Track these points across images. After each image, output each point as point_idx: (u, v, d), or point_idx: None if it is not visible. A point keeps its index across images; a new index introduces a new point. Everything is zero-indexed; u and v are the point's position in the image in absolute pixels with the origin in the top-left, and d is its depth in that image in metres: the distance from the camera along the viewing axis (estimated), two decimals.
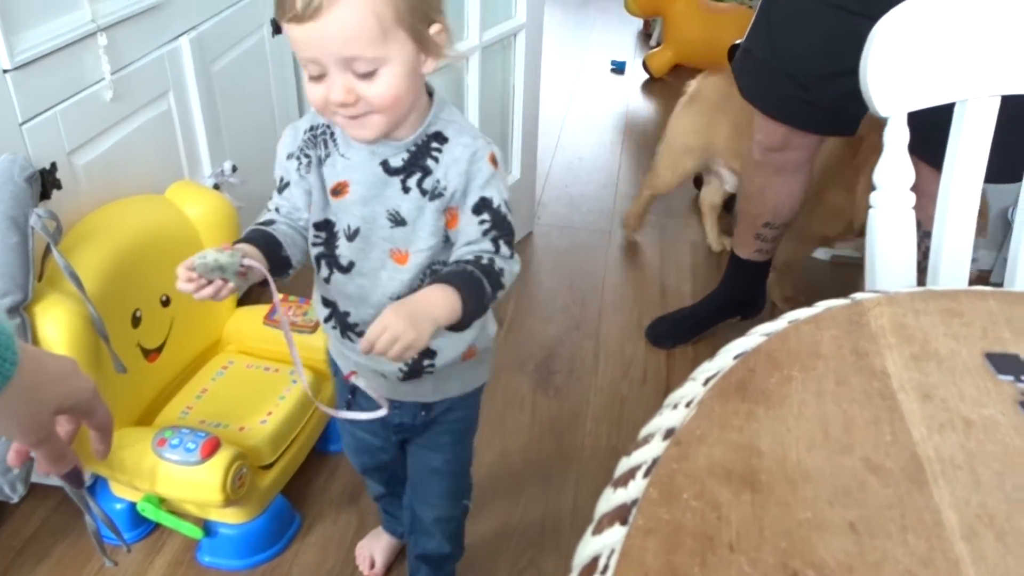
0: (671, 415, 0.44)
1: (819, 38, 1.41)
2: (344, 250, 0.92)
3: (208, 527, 1.32)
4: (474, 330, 0.99)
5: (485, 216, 0.86)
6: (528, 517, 1.45)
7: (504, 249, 0.87)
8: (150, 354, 1.39)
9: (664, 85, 3.33)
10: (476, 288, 0.83)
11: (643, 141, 2.90)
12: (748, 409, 0.43)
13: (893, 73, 0.67)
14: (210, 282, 0.80)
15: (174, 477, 1.22)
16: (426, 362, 0.99)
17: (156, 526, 1.37)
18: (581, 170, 2.63)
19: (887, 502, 0.39)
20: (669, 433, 0.42)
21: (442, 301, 0.81)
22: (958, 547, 0.37)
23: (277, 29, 1.92)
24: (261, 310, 1.55)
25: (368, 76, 0.79)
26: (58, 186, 1.26)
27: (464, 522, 1.23)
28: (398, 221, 0.89)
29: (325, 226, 0.94)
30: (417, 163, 0.88)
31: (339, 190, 0.90)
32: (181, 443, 1.22)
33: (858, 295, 0.54)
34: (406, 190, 0.88)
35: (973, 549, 0.37)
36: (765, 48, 1.54)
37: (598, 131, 2.94)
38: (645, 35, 3.79)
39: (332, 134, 0.91)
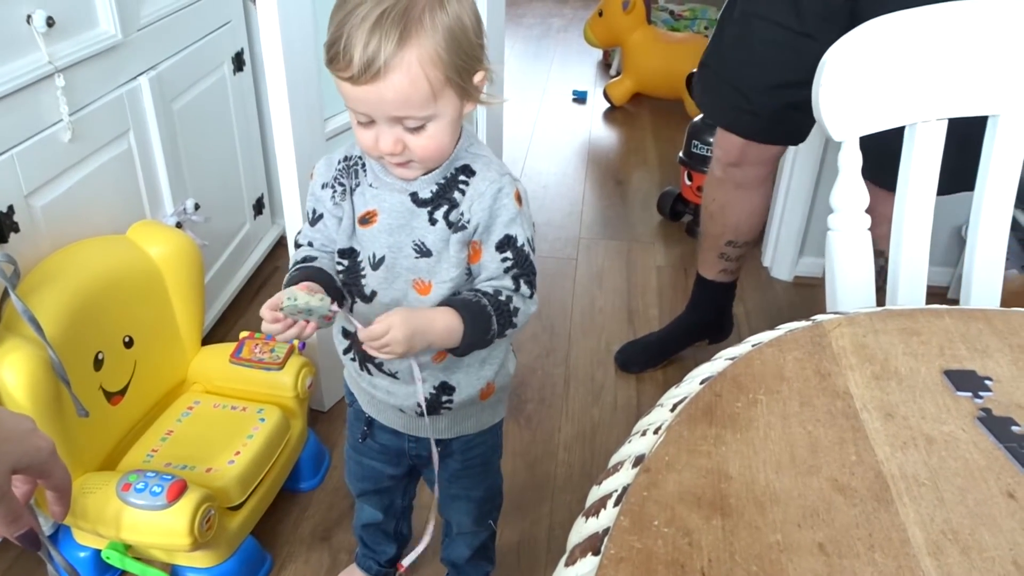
0: (640, 442, 0.44)
1: (761, 52, 1.48)
2: (369, 279, 0.94)
3: (176, 572, 1.29)
4: (494, 367, 1.00)
5: (508, 254, 0.88)
6: (503, 547, 1.43)
7: (524, 288, 0.89)
8: (113, 397, 1.37)
9: (625, 113, 3.38)
10: (482, 322, 0.86)
11: (606, 168, 2.94)
12: (716, 433, 0.43)
13: (845, 99, 0.69)
14: (294, 322, 0.83)
15: (140, 522, 1.19)
16: (444, 398, 0.99)
17: (122, 574, 1.33)
18: (546, 198, 2.65)
19: (854, 521, 0.39)
20: (639, 460, 0.42)
21: (444, 327, 0.84)
22: (925, 563, 0.37)
23: (239, 66, 1.92)
24: (227, 348, 1.53)
25: (415, 131, 0.83)
26: (15, 229, 1.24)
27: (491, 540, 1.26)
28: (423, 252, 0.91)
29: (349, 254, 0.95)
30: (445, 195, 0.90)
31: (368, 219, 0.92)
32: (146, 487, 1.20)
33: (819, 316, 0.55)
34: (433, 222, 0.90)
35: (940, 565, 0.37)
36: (716, 61, 1.60)
37: (562, 159, 2.97)
38: (605, 65, 3.85)
39: (364, 164, 0.93)
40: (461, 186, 0.89)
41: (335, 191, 0.95)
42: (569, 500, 1.55)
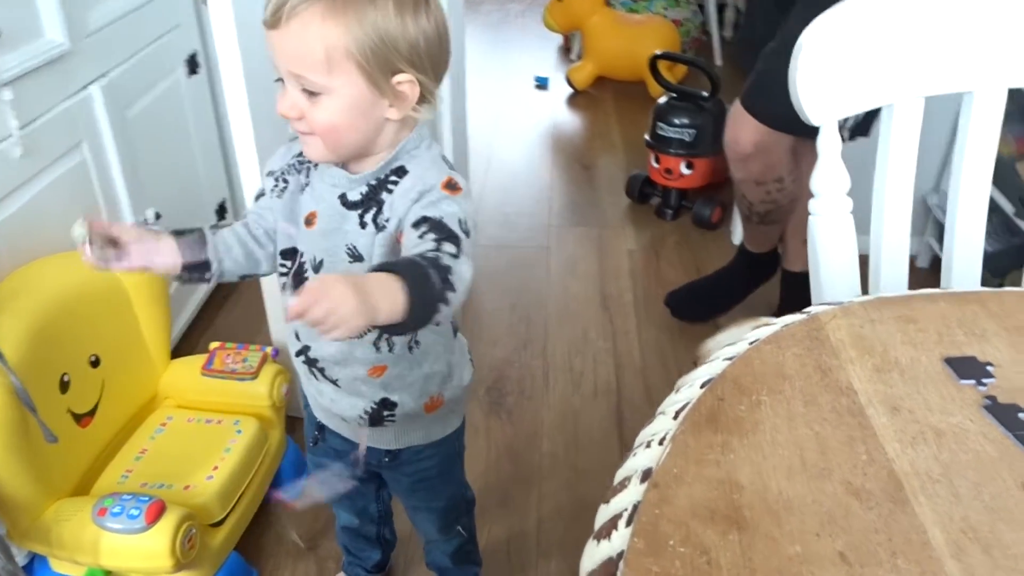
0: (645, 455, 0.42)
1: None
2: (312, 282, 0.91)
3: None
4: (436, 381, 0.98)
5: (424, 227, 0.80)
6: (493, 542, 1.42)
7: (447, 246, 0.77)
8: (82, 419, 1.32)
9: (588, 97, 3.36)
10: (421, 278, 0.72)
11: (572, 153, 2.92)
12: (722, 440, 0.42)
13: (822, 81, 0.67)
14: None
15: (119, 547, 1.15)
16: (386, 413, 0.97)
17: None
18: (514, 188, 2.63)
19: (872, 526, 0.38)
20: (646, 475, 0.41)
21: (383, 287, 0.69)
22: (948, 566, 0.36)
23: (193, 69, 1.87)
24: (197, 360, 1.49)
25: (313, 98, 0.80)
26: None
27: (469, 544, 1.24)
28: (356, 256, 0.88)
29: (291, 254, 0.93)
30: (374, 197, 0.87)
31: (311, 220, 0.90)
32: (123, 510, 1.16)
33: (813, 308, 0.54)
34: (363, 225, 0.87)
35: (964, 567, 0.36)
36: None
37: (527, 147, 2.95)
38: (565, 49, 3.82)
39: (316, 163, 0.90)
40: (391, 187, 0.86)
41: (277, 185, 0.93)
42: (555, 489, 1.54)
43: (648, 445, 0.43)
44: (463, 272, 0.76)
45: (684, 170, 2.34)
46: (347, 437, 1.05)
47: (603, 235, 2.37)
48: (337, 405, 0.99)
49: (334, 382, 0.97)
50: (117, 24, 1.56)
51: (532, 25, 4.12)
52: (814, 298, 0.75)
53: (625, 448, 1.63)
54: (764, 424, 0.43)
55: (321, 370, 0.97)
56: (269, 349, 1.49)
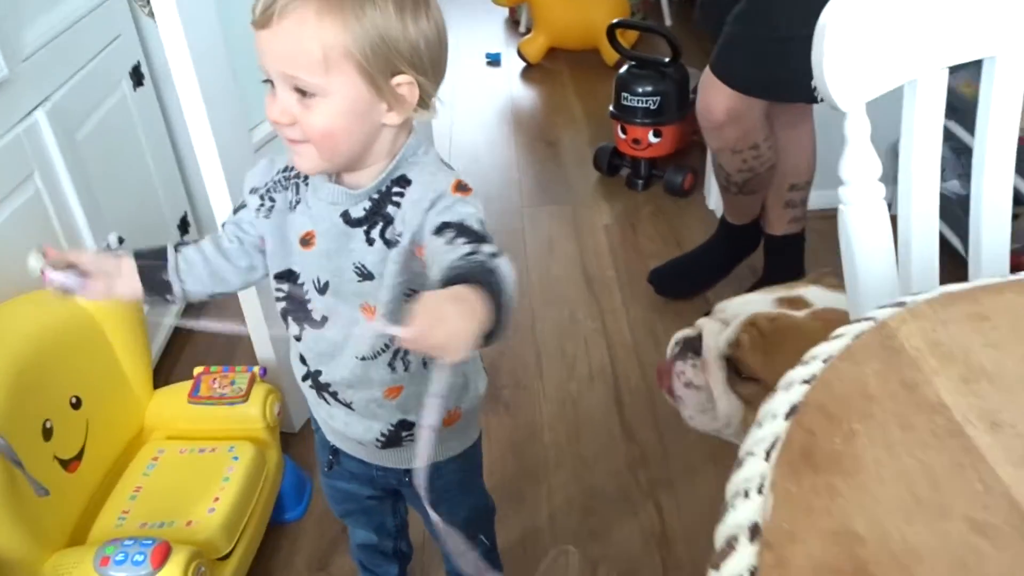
0: (746, 507, 0.39)
1: None
2: (316, 303, 0.87)
3: None
4: (453, 395, 0.94)
5: (449, 232, 0.75)
6: (507, 541, 1.40)
7: (486, 247, 0.72)
8: (69, 464, 1.26)
9: (543, 70, 3.30)
10: (494, 284, 0.66)
11: (534, 129, 2.87)
12: (826, 483, 0.39)
13: (848, 64, 0.64)
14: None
15: None
16: (404, 433, 0.93)
17: None
18: (479, 171, 2.57)
19: (1009, 570, 0.36)
20: (754, 532, 0.38)
21: (473, 299, 0.63)
22: None
23: (138, 81, 1.78)
24: (183, 388, 1.43)
25: (307, 100, 0.75)
26: None
27: (490, 552, 1.20)
28: (365, 275, 0.83)
29: (288, 277, 0.88)
30: (379, 211, 0.82)
31: (308, 240, 0.85)
32: (127, 557, 1.11)
33: (877, 312, 0.51)
34: (370, 242, 0.82)
35: None
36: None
37: (488, 128, 2.89)
38: (513, 22, 3.75)
39: (306, 178, 0.85)
40: (396, 199, 0.82)
41: (263, 204, 0.88)
42: (564, 481, 1.52)
43: (746, 495, 0.40)
44: (508, 271, 0.71)
45: (652, 139, 2.31)
46: (364, 460, 1.01)
47: (577, 212, 2.34)
48: (351, 429, 0.96)
49: (347, 405, 0.93)
50: (54, 43, 1.47)
51: (476, 1, 4.03)
52: (850, 293, 0.72)
53: (628, 432, 1.61)
54: (865, 458, 0.40)
55: (333, 394, 0.93)
56: (257, 368, 1.44)
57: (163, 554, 1.11)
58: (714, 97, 1.56)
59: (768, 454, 0.42)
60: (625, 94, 2.30)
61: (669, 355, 0.99)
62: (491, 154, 2.70)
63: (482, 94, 3.17)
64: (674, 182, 2.32)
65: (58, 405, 1.24)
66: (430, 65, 0.79)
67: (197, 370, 1.44)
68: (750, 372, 0.90)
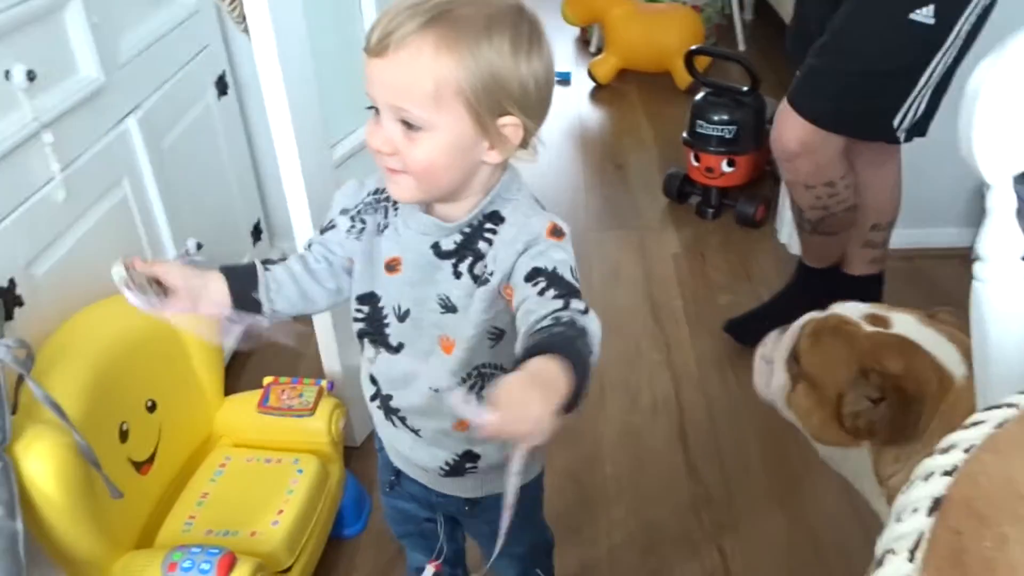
0: None
1: None
2: (394, 329, 0.87)
3: None
4: None
5: (540, 279, 0.75)
6: (564, 572, 1.38)
7: (575, 303, 0.72)
8: (142, 466, 1.28)
9: (613, 91, 3.29)
10: (577, 353, 0.66)
11: (603, 151, 2.86)
12: None
13: (1001, 133, 0.61)
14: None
15: None
16: (468, 464, 0.92)
17: None
18: (545, 192, 2.54)
19: None
20: None
21: (555, 374, 0.62)
22: None
23: (222, 91, 1.82)
24: (252, 397, 1.45)
25: (411, 132, 0.75)
26: (19, 303, 1.15)
27: None
28: (449, 307, 0.83)
29: (369, 299, 0.88)
30: (469, 246, 0.82)
31: (393, 265, 0.85)
32: (194, 565, 1.12)
33: (1019, 399, 0.48)
34: (458, 275, 0.82)
35: None
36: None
37: (554, 147, 2.88)
38: (583, 42, 3.75)
39: (395, 203, 0.86)
40: (487, 235, 0.81)
41: (354, 225, 0.88)
42: (624, 515, 1.50)
43: None
44: (596, 330, 0.71)
45: (725, 168, 2.28)
46: (426, 485, 1.01)
47: (644, 238, 2.31)
48: (416, 454, 0.95)
49: (415, 431, 0.93)
50: (148, 52, 1.51)
51: (546, 19, 4.02)
52: (980, 374, 0.68)
53: (692, 469, 1.58)
54: (1021, 571, 0.37)
55: (402, 419, 0.93)
56: (324, 382, 1.45)
57: (228, 565, 1.12)
58: (788, 127, 1.53)
59: (912, 554, 0.39)
60: (700, 121, 2.27)
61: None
62: (557, 175, 2.69)
63: (550, 114, 3.15)
64: (746, 213, 2.28)
65: (135, 409, 1.26)
66: (536, 106, 0.79)
67: (267, 380, 1.46)
68: (796, 356, 1.06)
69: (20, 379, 1.06)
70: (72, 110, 1.26)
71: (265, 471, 1.36)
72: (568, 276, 0.76)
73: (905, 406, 0.92)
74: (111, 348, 1.21)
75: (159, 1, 1.57)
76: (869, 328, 1.00)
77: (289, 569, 1.26)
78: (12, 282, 1.13)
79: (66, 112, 1.24)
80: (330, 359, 1.55)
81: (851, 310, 1.04)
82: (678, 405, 1.73)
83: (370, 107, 0.78)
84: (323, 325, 1.50)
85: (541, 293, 0.74)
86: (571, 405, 0.64)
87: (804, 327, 1.06)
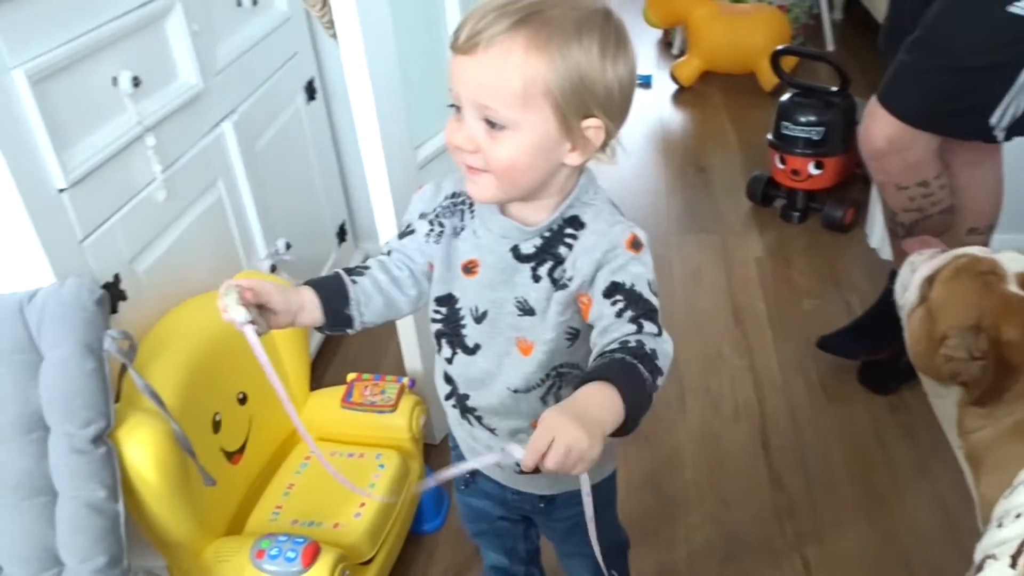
0: None
1: None
2: (470, 331, 0.88)
3: None
4: None
5: (618, 297, 0.77)
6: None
7: (648, 327, 0.75)
8: (233, 456, 1.34)
9: (695, 93, 3.24)
10: (634, 378, 0.70)
11: (684, 154, 2.82)
12: None
13: None
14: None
15: None
16: None
17: None
18: (625, 195, 2.54)
19: None
20: None
21: (602, 400, 0.67)
22: None
23: (311, 96, 1.87)
24: (336, 393, 1.48)
25: (495, 131, 0.76)
26: (123, 297, 1.21)
27: None
28: (526, 310, 0.84)
29: (447, 301, 0.89)
30: (549, 250, 0.82)
31: (471, 268, 0.86)
32: (280, 553, 1.16)
33: None
34: (536, 278, 0.83)
35: None
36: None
37: (636, 150, 2.86)
38: (666, 44, 3.71)
39: (471, 206, 0.87)
40: (568, 240, 0.82)
41: (432, 229, 0.89)
42: (702, 520, 1.47)
43: None
44: (667, 350, 0.75)
45: (812, 170, 2.22)
46: (500, 482, 1.02)
47: (726, 241, 2.27)
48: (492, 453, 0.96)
49: (491, 430, 0.94)
50: (243, 59, 1.57)
51: (628, 21, 3.99)
52: None
53: (774, 477, 1.54)
54: None
55: (478, 418, 0.94)
56: (406, 380, 1.48)
57: (313, 554, 1.15)
58: (876, 125, 1.47)
59: (1015, 560, 0.38)
60: (786, 123, 2.22)
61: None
62: (638, 178, 2.67)
63: (631, 116, 3.12)
64: (834, 216, 2.21)
65: (227, 400, 1.31)
66: (619, 109, 0.79)
67: (350, 376, 1.49)
68: (932, 280, 1.06)
69: (123, 369, 1.12)
70: (173, 114, 1.32)
71: (348, 465, 1.39)
72: (646, 292, 0.77)
73: (1000, 374, 0.90)
74: (207, 341, 1.27)
75: (254, 9, 1.63)
76: (1011, 288, 0.98)
77: (370, 561, 1.29)
78: (117, 277, 1.20)
79: (167, 116, 1.30)
80: (411, 357, 1.57)
81: (1012, 263, 1.02)
82: (760, 411, 1.69)
83: (452, 105, 0.79)
84: (405, 324, 1.53)
85: (619, 315, 0.75)
86: (629, 427, 0.68)
87: (957, 257, 1.06)
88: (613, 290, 0.77)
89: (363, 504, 1.31)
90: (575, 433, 0.63)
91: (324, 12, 1.47)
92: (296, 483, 1.36)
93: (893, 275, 1.74)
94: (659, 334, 0.76)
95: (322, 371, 1.85)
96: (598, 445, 0.64)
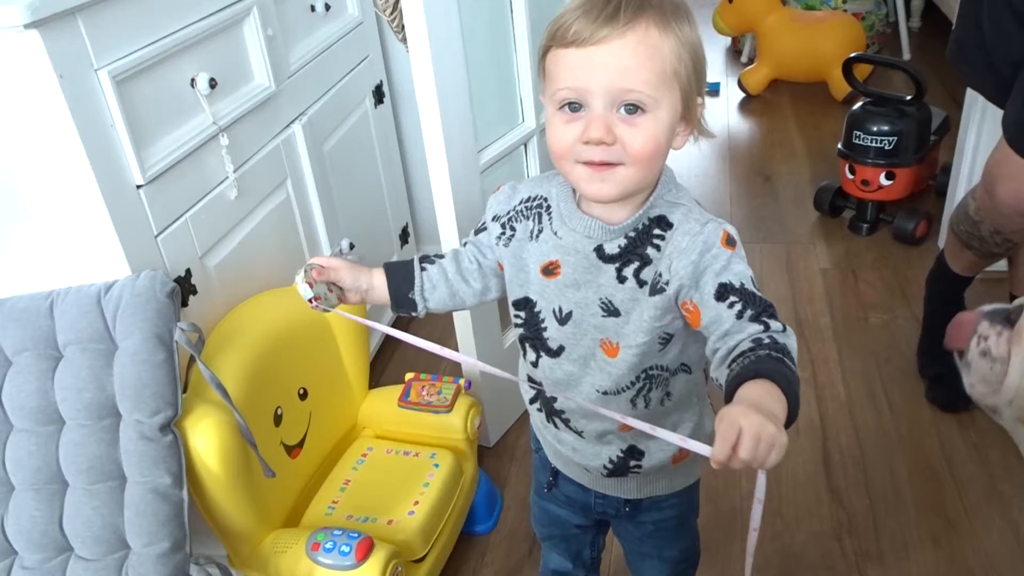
0: None
1: None
2: (553, 333, 0.88)
3: None
4: (687, 430, 0.92)
5: (732, 298, 0.75)
6: None
7: (774, 324, 0.74)
8: (292, 450, 1.36)
9: (763, 102, 3.20)
10: (785, 370, 0.69)
11: (750, 163, 2.78)
12: None
13: None
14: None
15: None
16: (632, 463, 0.93)
17: None
18: None
19: None
20: None
21: (767, 394, 0.66)
22: None
23: (379, 99, 1.91)
24: (394, 392, 1.51)
25: (633, 117, 0.75)
26: (194, 291, 1.25)
27: None
28: (611, 311, 0.83)
29: (524, 305, 0.90)
30: (635, 251, 0.81)
31: (551, 269, 0.86)
32: (335, 546, 1.18)
33: None
34: (622, 279, 0.82)
35: None
36: None
37: (701, 157, 2.83)
38: (735, 52, 3.67)
39: (548, 207, 0.87)
40: (656, 241, 0.80)
41: (503, 232, 0.90)
42: (761, 537, 1.43)
43: None
44: (794, 345, 0.74)
45: (883, 181, 2.16)
46: (585, 485, 1.02)
47: (791, 252, 2.23)
48: (579, 455, 0.96)
49: (578, 432, 0.94)
50: (314, 62, 1.60)
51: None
52: None
53: (835, 495, 1.51)
54: None
55: (565, 421, 0.94)
56: (462, 381, 1.49)
57: (367, 549, 1.17)
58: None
59: None
60: (857, 132, 2.17)
61: (977, 311, 0.93)
62: (703, 185, 2.64)
63: (716, 133, 3.10)
64: (905, 228, 2.15)
65: (288, 395, 1.34)
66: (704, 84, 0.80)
67: (408, 376, 1.51)
68: None
69: (191, 360, 1.15)
70: (246, 115, 1.36)
71: (403, 463, 1.41)
72: (756, 290, 0.76)
73: None
74: (271, 337, 1.30)
75: (327, 15, 1.67)
76: None
77: (423, 559, 1.30)
78: (188, 272, 1.24)
79: (240, 117, 1.34)
80: (468, 359, 1.58)
81: None
82: (822, 427, 1.65)
83: (565, 105, 0.77)
84: (463, 325, 1.54)
85: (739, 316, 0.75)
86: (791, 419, 0.67)
87: None
88: (724, 292, 0.76)
89: (417, 503, 1.32)
90: (761, 421, 0.62)
91: (395, 17, 1.49)
92: (353, 479, 1.39)
93: (944, 264, 1.64)
94: (784, 330, 0.75)
95: (381, 370, 1.87)
96: (784, 433, 0.63)
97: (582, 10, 0.74)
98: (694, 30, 0.77)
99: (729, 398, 0.69)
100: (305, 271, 0.92)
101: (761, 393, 0.66)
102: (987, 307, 0.93)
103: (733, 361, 0.72)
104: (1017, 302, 0.91)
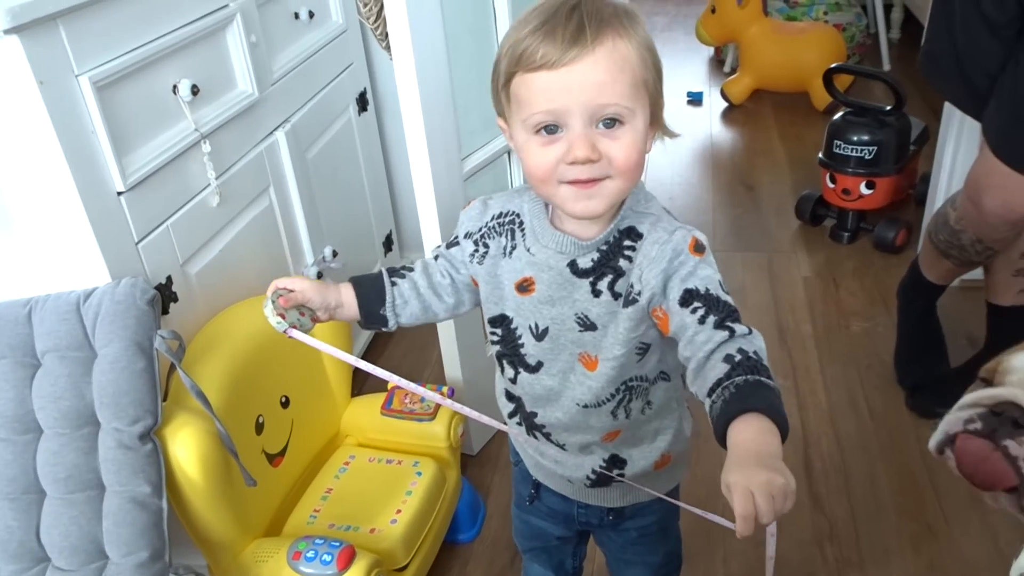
0: None
1: None
2: (531, 349, 0.88)
3: None
4: (667, 437, 0.93)
5: (696, 304, 0.76)
6: None
7: (739, 328, 0.75)
8: (274, 459, 1.36)
9: (746, 111, 3.22)
10: (765, 392, 0.70)
11: (733, 172, 2.80)
12: None
13: None
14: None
15: None
16: (616, 472, 0.92)
17: None
18: (673, 210, 2.52)
19: None
20: None
21: (759, 433, 0.68)
22: None
23: (363, 107, 1.91)
24: (377, 399, 1.50)
25: (613, 131, 0.75)
26: (174, 299, 1.24)
27: None
28: (587, 325, 0.83)
29: (500, 322, 0.89)
30: (608, 264, 0.81)
31: (526, 286, 0.86)
32: (316, 555, 1.17)
33: None
34: (596, 293, 0.82)
35: None
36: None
37: (684, 167, 2.85)
38: (718, 62, 3.69)
39: (521, 223, 0.86)
40: (627, 252, 0.80)
41: (476, 250, 0.89)
42: (743, 546, 1.45)
43: None
44: (762, 346, 0.74)
45: (864, 190, 2.19)
46: (568, 496, 1.01)
47: (773, 260, 2.25)
48: (562, 467, 0.96)
49: (560, 445, 0.94)
50: (298, 69, 1.60)
51: (680, 38, 4.01)
52: None
53: (816, 501, 1.51)
54: None
55: (547, 434, 0.94)
56: (445, 389, 1.48)
57: (348, 558, 1.16)
58: (1018, 193, 1.34)
59: None
60: (838, 141, 2.19)
61: (965, 429, 0.79)
62: (686, 194, 2.66)
63: (681, 132, 3.12)
64: (885, 237, 2.17)
65: (270, 403, 1.34)
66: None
67: (391, 384, 1.51)
68: None
69: (172, 368, 1.15)
70: (228, 122, 1.35)
71: (386, 471, 1.40)
72: (721, 294, 0.76)
73: None
74: (253, 344, 1.29)
75: (311, 21, 1.67)
76: None
77: (405, 568, 1.30)
78: (169, 279, 1.23)
79: (223, 124, 1.33)
80: (451, 366, 1.58)
81: None
82: (803, 435, 1.66)
83: (542, 128, 0.76)
84: (446, 334, 1.54)
85: (702, 321, 0.75)
86: (783, 436, 0.70)
87: None
88: (689, 297, 0.76)
89: (399, 511, 1.32)
90: (768, 477, 0.63)
91: (378, 24, 1.49)
92: (335, 487, 1.38)
93: (994, 310, 1.61)
94: (750, 332, 0.75)
95: (363, 378, 1.86)
96: (789, 474, 0.64)
97: (543, 31, 0.73)
98: (645, 30, 0.77)
99: (720, 437, 0.70)
100: (272, 301, 0.88)
101: (754, 436, 0.67)
102: (974, 420, 0.80)
103: (712, 391, 0.72)
104: (992, 396, 0.80)
